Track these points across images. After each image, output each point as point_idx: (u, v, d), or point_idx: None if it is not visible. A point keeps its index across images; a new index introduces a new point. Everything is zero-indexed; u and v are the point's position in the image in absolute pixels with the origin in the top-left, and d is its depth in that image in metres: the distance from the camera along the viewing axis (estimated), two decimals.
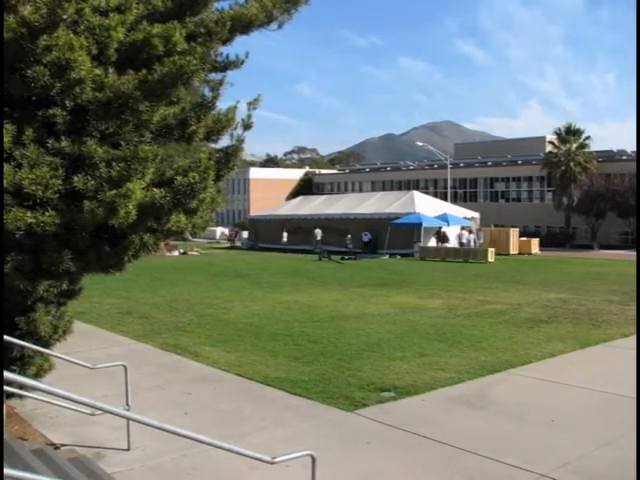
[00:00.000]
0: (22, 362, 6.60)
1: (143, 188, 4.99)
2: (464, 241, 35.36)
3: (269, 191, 64.87)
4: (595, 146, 47.68)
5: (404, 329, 12.20)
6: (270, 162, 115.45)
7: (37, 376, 6.71)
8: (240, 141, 5.96)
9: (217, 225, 57.37)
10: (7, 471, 2.56)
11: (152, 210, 5.07)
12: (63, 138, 5.11)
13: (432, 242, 35.61)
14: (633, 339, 10.76)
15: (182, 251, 37.70)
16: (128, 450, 5.98)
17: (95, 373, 6.68)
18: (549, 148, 48.62)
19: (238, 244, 48.24)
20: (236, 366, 9.29)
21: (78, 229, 5.27)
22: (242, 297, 17.04)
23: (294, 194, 62.80)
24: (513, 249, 35.90)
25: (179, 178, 5.09)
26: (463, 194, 57.21)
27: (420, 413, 7.24)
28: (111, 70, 5.29)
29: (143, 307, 15.19)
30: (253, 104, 5.81)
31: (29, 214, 4.93)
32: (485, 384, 8.38)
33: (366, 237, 36.92)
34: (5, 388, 5.46)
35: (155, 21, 5.54)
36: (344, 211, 40.58)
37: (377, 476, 5.59)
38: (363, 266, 28.57)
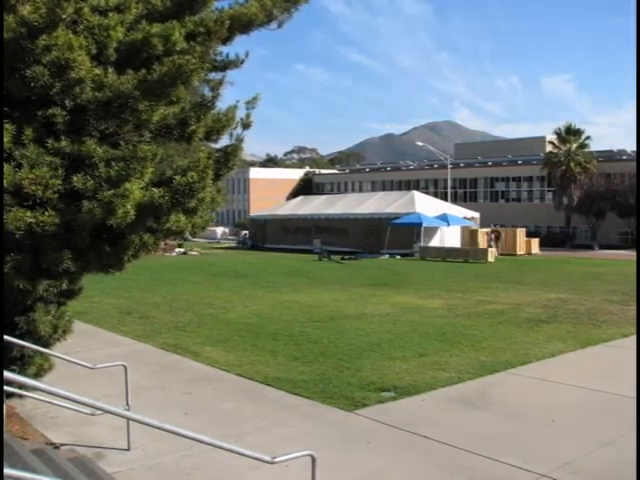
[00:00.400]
0: (22, 362, 6.59)
1: (142, 188, 4.99)
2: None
3: (269, 191, 64.88)
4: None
5: (404, 329, 12.20)
6: (270, 162, 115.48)
7: (37, 376, 6.71)
8: (239, 140, 5.97)
9: (217, 225, 57.39)
10: (7, 471, 2.56)
11: (151, 210, 5.06)
12: (63, 138, 5.11)
13: (433, 242, 35.59)
14: (633, 339, 10.76)
15: (182, 251, 37.71)
16: (128, 450, 5.98)
17: (95, 373, 6.68)
18: (549, 148, 48.64)
19: (233, 244, 48.32)
20: (236, 366, 9.29)
21: (78, 229, 5.27)
22: (242, 297, 17.04)
23: (294, 194, 62.81)
24: (520, 249, 35.99)
25: (178, 177, 5.09)
26: (463, 194, 57.21)
27: (420, 413, 7.23)
28: (110, 70, 5.29)
29: (143, 307, 15.19)
30: (251, 103, 5.81)
31: (29, 214, 4.93)
32: (485, 384, 8.37)
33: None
34: (5, 388, 5.46)
35: (154, 20, 5.54)
36: (344, 211, 40.59)
37: (377, 476, 5.58)
38: (363, 266, 28.57)
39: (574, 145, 45.94)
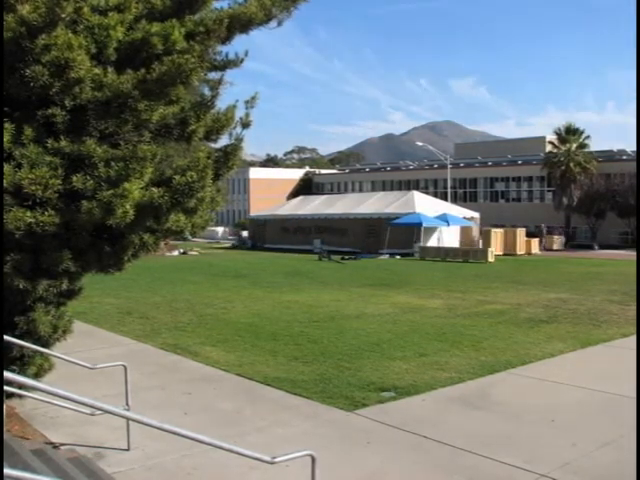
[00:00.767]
0: (22, 362, 6.58)
1: (142, 188, 4.98)
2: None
3: (269, 191, 64.83)
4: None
5: (404, 329, 12.19)
6: (270, 162, 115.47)
7: (37, 376, 6.70)
8: (239, 140, 5.96)
9: (217, 225, 57.37)
10: (7, 471, 2.56)
11: (150, 209, 5.06)
12: (62, 138, 5.11)
13: (432, 242, 35.61)
14: (633, 339, 10.75)
15: (182, 251, 37.70)
16: (128, 450, 5.97)
17: (95, 373, 6.67)
18: (549, 148, 48.61)
19: (228, 245, 48.36)
20: (236, 366, 9.29)
21: (77, 229, 5.26)
22: (242, 297, 17.03)
23: (294, 194, 62.78)
24: (520, 249, 36.11)
25: (177, 177, 5.09)
26: (463, 194, 57.19)
27: (420, 413, 7.23)
28: (110, 69, 5.29)
29: (143, 307, 15.18)
30: (251, 102, 5.81)
31: (29, 214, 4.93)
32: (485, 384, 8.37)
33: None
34: (5, 388, 5.46)
35: (154, 20, 5.54)
36: (344, 211, 40.58)
37: (377, 476, 5.58)
38: (363, 266, 28.56)
39: (574, 145, 45.91)
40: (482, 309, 14.78)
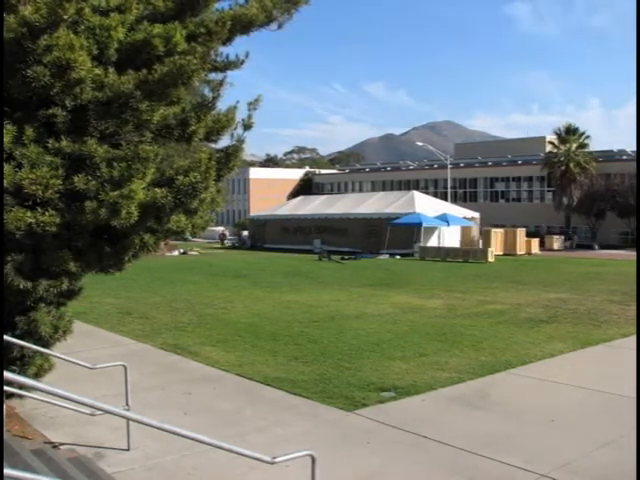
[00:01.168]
0: (22, 362, 6.59)
1: (144, 188, 4.99)
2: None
3: (269, 191, 64.82)
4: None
5: (404, 329, 12.20)
6: (270, 162, 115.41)
7: (37, 376, 6.71)
8: (240, 141, 5.97)
9: (217, 225, 57.35)
10: (7, 471, 2.56)
11: (153, 210, 5.07)
12: (63, 138, 5.12)
13: (432, 242, 35.63)
14: (633, 339, 10.76)
15: (182, 251, 37.69)
16: (128, 450, 5.98)
17: (95, 373, 6.68)
18: (549, 148, 48.64)
19: (228, 244, 48.34)
20: (236, 366, 9.29)
21: (78, 229, 5.27)
22: (242, 297, 17.04)
23: (294, 194, 62.79)
24: (520, 249, 36.15)
25: (180, 178, 5.10)
26: (463, 194, 57.19)
27: (420, 413, 7.24)
28: (111, 70, 5.30)
29: (143, 307, 15.19)
30: (253, 104, 5.81)
31: (29, 214, 4.94)
32: (485, 384, 8.38)
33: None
34: (5, 388, 5.46)
35: (155, 21, 5.55)
36: (344, 211, 40.58)
37: (377, 476, 5.59)
38: (363, 266, 28.57)
39: (574, 145, 45.94)
40: (482, 309, 14.78)
